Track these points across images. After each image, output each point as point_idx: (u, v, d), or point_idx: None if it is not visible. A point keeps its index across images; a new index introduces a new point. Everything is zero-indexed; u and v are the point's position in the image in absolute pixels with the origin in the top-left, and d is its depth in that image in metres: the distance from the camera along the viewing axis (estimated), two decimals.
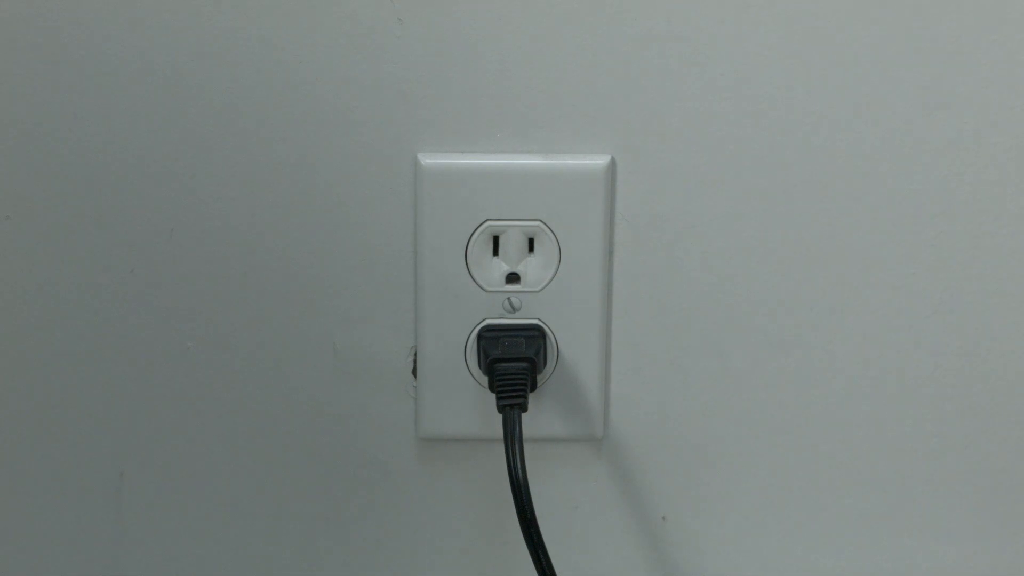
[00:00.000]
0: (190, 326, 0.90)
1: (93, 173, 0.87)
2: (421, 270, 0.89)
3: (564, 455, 0.93)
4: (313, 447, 0.92)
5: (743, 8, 0.85)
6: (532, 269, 0.89)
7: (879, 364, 0.91)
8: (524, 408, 0.87)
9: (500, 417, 0.86)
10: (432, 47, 0.86)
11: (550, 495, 0.93)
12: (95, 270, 0.89)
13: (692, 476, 0.93)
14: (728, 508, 0.94)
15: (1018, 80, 0.86)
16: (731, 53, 0.86)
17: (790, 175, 0.88)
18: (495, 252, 0.89)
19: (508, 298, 0.89)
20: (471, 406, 0.91)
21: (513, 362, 0.88)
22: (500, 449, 0.85)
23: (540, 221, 0.88)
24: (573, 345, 0.90)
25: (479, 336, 0.89)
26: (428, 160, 0.87)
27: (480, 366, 0.89)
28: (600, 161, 0.87)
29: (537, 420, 0.91)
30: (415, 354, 0.91)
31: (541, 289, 0.89)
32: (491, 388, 0.88)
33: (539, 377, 0.90)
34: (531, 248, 0.89)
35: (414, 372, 0.91)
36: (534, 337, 0.89)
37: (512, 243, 0.88)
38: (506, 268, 0.89)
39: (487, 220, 0.88)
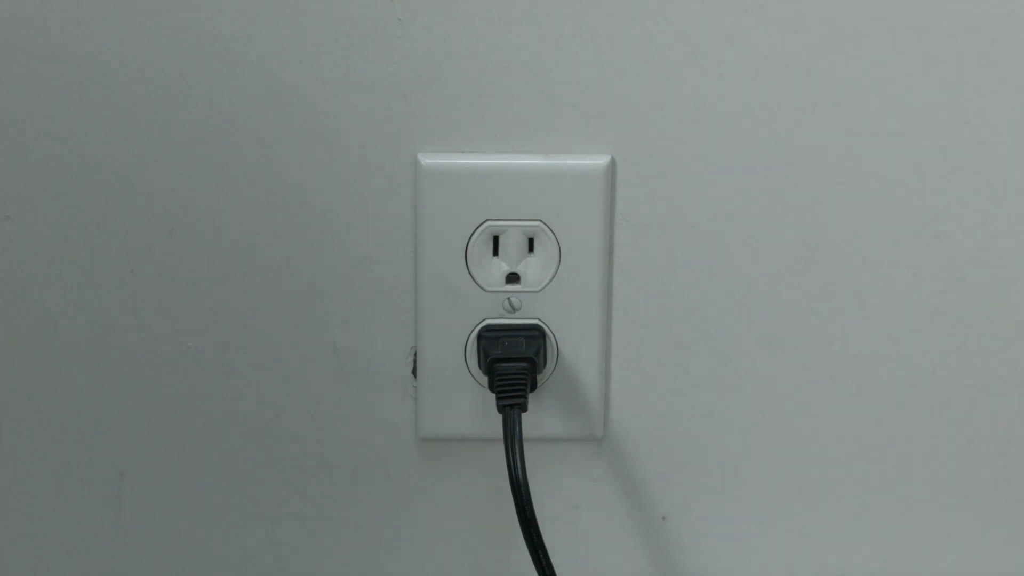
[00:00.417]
0: (190, 326, 0.90)
1: (93, 173, 0.87)
2: (421, 270, 0.89)
3: (564, 455, 0.93)
4: (313, 447, 0.92)
5: (743, 8, 0.85)
6: (532, 269, 0.89)
7: (879, 364, 0.91)
8: (524, 408, 0.87)
9: (500, 417, 0.86)
10: (432, 47, 0.86)
11: (550, 495, 0.93)
12: (95, 270, 0.89)
13: (692, 476, 0.93)
14: (728, 508, 0.94)
15: (1018, 80, 0.86)
16: (731, 53, 0.86)
17: (790, 175, 0.88)
18: (495, 252, 0.89)
19: (508, 298, 0.89)
20: (471, 406, 0.91)
21: (513, 362, 0.88)
22: (500, 449, 0.85)
23: (540, 221, 0.88)
24: (573, 345, 0.90)
25: (479, 336, 0.89)
26: (428, 160, 0.87)
27: (480, 366, 0.89)
28: (600, 161, 0.87)
29: (537, 420, 0.91)
30: (415, 354, 0.91)
31: (541, 289, 0.89)
32: (491, 388, 0.88)
33: (539, 377, 0.90)
34: (531, 248, 0.89)
35: (414, 372, 0.91)
36: (534, 337, 0.89)
37: (512, 243, 0.88)
38: (506, 268, 0.89)
39: (487, 220, 0.88)
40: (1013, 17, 0.86)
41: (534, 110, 0.87)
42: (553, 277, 0.89)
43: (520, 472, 0.85)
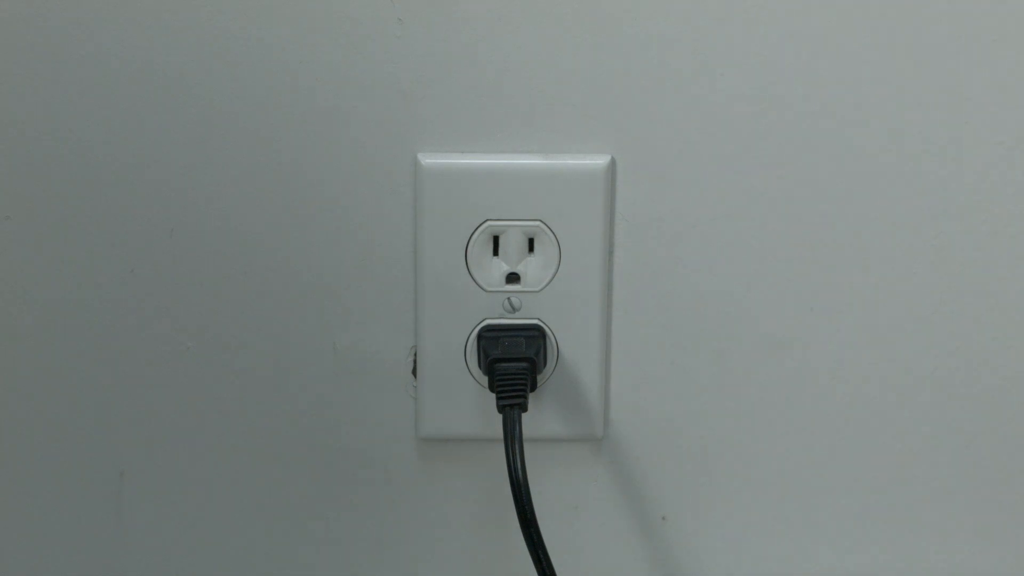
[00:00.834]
0: (190, 326, 0.90)
1: (93, 173, 0.87)
2: (421, 270, 0.89)
3: (564, 455, 0.93)
4: (313, 447, 0.92)
5: (743, 8, 0.85)
6: (532, 269, 0.89)
7: (879, 364, 0.91)
8: (524, 408, 0.87)
9: (500, 417, 0.86)
10: (432, 47, 0.86)
11: (550, 495, 0.93)
12: (95, 270, 0.89)
13: (692, 476, 0.93)
14: (728, 508, 0.94)
15: (1018, 80, 0.86)
16: (731, 53, 0.86)
17: (790, 175, 0.88)
18: (495, 252, 0.89)
19: (508, 298, 0.89)
20: (471, 406, 0.91)
21: (513, 362, 0.88)
22: (500, 449, 0.85)
23: (540, 221, 0.88)
24: (573, 345, 0.90)
25: (479, 336, 0.89)
26: (428, 160, 0.87)
27: (480, 366, 0.89)
28: (600, 161, 0.87)
29: (537, 420, 0.91)
30: (415, 354, 0.91)
31: (541, 289, 0.89)
32: (491, 388, 0.88)
33: (539, 377, 0.90)
34: (531, 248, 0.89)
35: (414, 372, 0.91)
36: (534, 337, 0.89)
37: (512, 243, 0.88)
38: (506, 268, 0.89)
39: (487, 220, 0.88)
40: (1013, 17, 0.86)
41: (534, 110, 0.87)
42: (553, 277, 0.89)
43: (520, 472, 0.85)
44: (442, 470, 0.93)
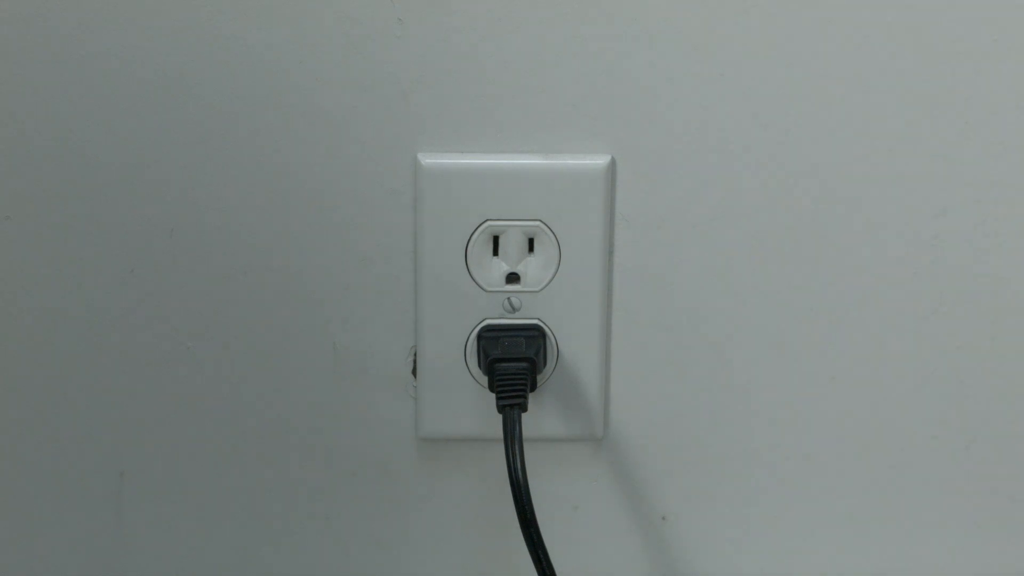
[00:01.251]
0: (190, 326, 0.90)
1: (93, 173, 0.87)
2: (421, 270, 0.89)
3: (564, 455, 0.93)
4: (313, 447, 0.92)
5: (743, 8, 0.85)
6: (532, 269, 0.89)
7: (879, 364, 0.91)
8: (524, 408, 0.87)
9: (500, 417, 0.86)
10: (432, 47, 0.86)
11: (550, 495, 0.93)
12: (95, 270, 0.89)
13: (692, 476, 0.93)
14: (728, 508, 0.94)
15: (1018, 80, 0.86)
16: (731, 53, 0.86)
17: (790, 175, 0.88)
18: (495, 252, 0.89)
19: (508, 298, 0.89)
20: (471, 406, 0.91)
21: (513, 362, 0.88)
22: (500, 449, 0.85)
23: (540, 221, 0.88)
24: (573, 345, 0.90)
25: (479, 336, 0.89)
26: (428, 160, 0.87)
27: (480, 366, 0.89)
28: (600, 161, 0.87)
29: (537, 420, 0.91)
30: (415, 354, 0.91)
31: (541, 289, 0.89)
32: (491, 388, 0.88)
33: (539, 377, 0.90)
34: (531, 248, 0.89)
35: (414, 372, 0.91)
36: (534, 337, 0.89)
37: (512, 243, 0.88)
38: (506, 268, 0.89)
39: (487, 220, 0.88)
40: (1013, 17, 0.86)
41: (534, 110, 0.87)
42: (553, 277, 0.89)
43: (520, 472, 0.85)
44: (442, 470, 0.93)
